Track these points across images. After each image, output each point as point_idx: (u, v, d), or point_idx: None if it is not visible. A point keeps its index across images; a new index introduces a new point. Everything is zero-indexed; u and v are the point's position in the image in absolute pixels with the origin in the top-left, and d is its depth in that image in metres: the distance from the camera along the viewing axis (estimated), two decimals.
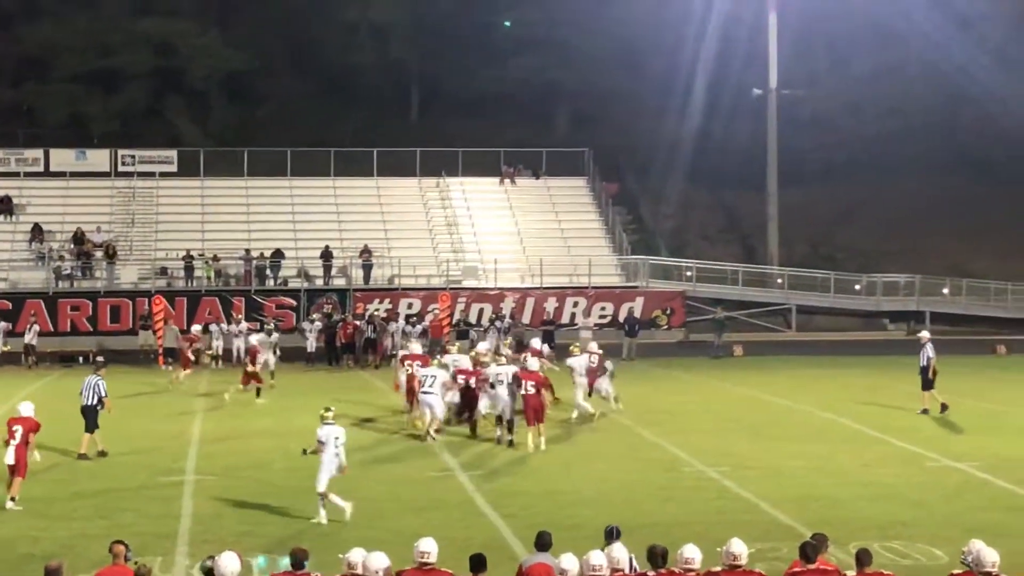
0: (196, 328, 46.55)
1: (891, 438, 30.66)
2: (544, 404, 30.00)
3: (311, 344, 49.27)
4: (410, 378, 32.38)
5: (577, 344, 36.29)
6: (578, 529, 20.27)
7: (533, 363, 30.91)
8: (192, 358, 43.07)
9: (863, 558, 14.42)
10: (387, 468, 26.92)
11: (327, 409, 23.17)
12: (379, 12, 75.77)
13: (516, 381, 29.92)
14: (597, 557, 14.23)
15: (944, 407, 34.92)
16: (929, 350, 35.81)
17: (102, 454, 28.37)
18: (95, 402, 28.51)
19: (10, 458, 23.48)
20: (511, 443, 29.73)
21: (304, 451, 23.27)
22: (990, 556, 14.16)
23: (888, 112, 76.00)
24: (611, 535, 15.17)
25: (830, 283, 64.10)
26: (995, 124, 74.77)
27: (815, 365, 48.29)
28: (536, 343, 37.68)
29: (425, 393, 30.53)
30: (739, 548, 14.51)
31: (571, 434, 31.51)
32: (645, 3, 74.05)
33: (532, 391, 29.55)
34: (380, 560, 14.13)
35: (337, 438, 22.49)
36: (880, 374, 45.17)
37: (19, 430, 23.65)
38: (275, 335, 43.41)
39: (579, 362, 33.60)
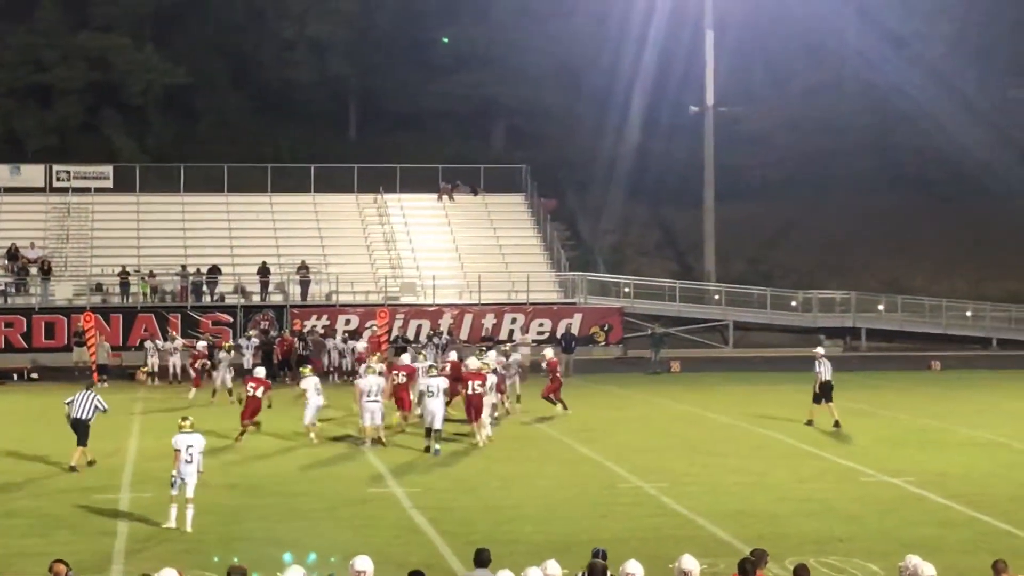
0: (201, 344, 46.30)
1: (827, 453, 30.84)
2: (482, 402, 31.99)
3: (248, 360, 49.00)
4: (398, 387, 33.77)
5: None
6: (516, 545, 20.26)
7: (473, 362, 33.68)
8: (195, 374, 43.59)
9: (801, 574, 14.46)
10: (324, 485, 26.81)
11: (184, 419, 23.69)
12: (317, 28, 75.52)
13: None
14: (533, 573, 14.21)
15: (837, 423, 35.27)
16: (823, 365, 36.13)
17: (91, 463, 28.75)
18: (90, 415, 28.67)
19: None
20: (437, 452, 30.66)
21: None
22: (927, 571, 14.26)
23: (824, 129, 76.48)
24: (596, 555, 14.86)
25: (767, 299, 64.43)
26: (930, 142, 75.48)
27: (752, 381, 48.50)
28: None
29: (370, 402, 31.65)
30: (690, 564, 14.50)
31: (509, 451, 31.48)
32: (583, 20, 74.37)
33: (479, 390, 31.77)
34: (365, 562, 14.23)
35: (190, 446, 23.00)
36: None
37: None
38: (232, 353, 43.63)
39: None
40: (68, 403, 29.19)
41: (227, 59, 77.56)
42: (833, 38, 76.61)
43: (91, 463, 28.83)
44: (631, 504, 24.97)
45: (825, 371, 36.20)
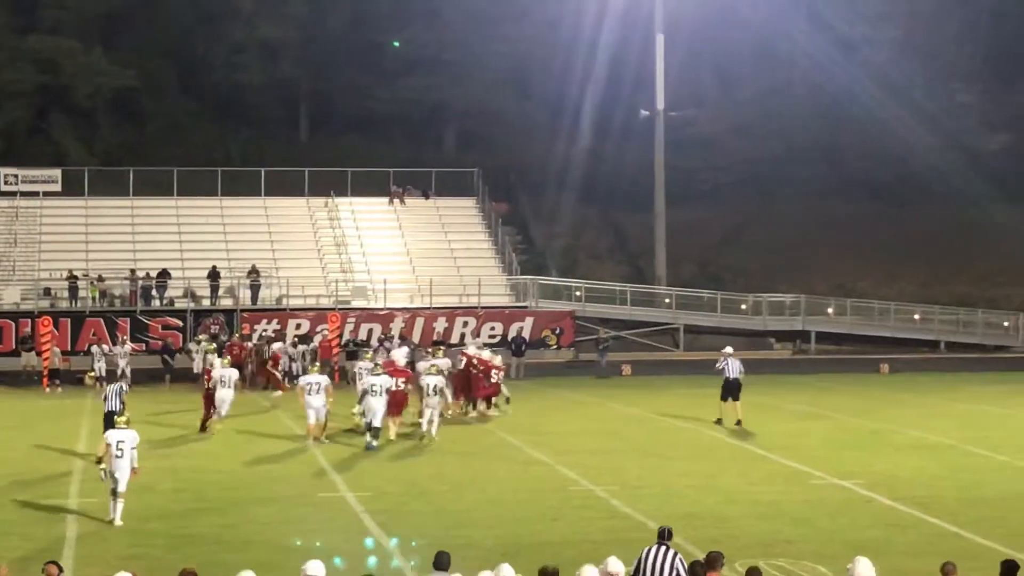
0: (278, 346, 46.47)
1: (777, 456, 30.97)
2: (404, 400, 33.55)
3: (198, 365, 48.80)
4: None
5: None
6: (467, 549, 20.24)
7: (400, 358, 36.21)
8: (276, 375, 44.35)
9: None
10: (276, 489, 26.71)
11: (120, 414, 24.60)
12: (267, 30, 75.25)
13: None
14: None
15: (739, 423, 35.74)
16: (730, 364, 36.61)
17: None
18: (120, 407, 29.74)
19: None
20: (374, 447, 31.71)
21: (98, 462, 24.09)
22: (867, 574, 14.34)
23: (774, 133, 76.90)
24: (663, 535, 15.76)
25: (717, 303, 64.65)
26: (878, 146, 76.07)
27: (702, 384, 48.47)
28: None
29: (312, 396, 32.72)
30: (616, 567, 14.51)
31: (461, 454, 31.48)
32: (534, 24, 74.43)
33: (401, 386, 33.25)
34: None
35: (121, 441, 23.34)
36: (766, 393, 45.57)
37: None
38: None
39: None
40: (104, 399, 30.86)
41: (176, 62, 77.18)
42: (782, 43, 77.04)
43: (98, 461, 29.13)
44: (582, 507, 25.01)
45: (732, 370, 36.49)
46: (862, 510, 24.85)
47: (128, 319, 55.67)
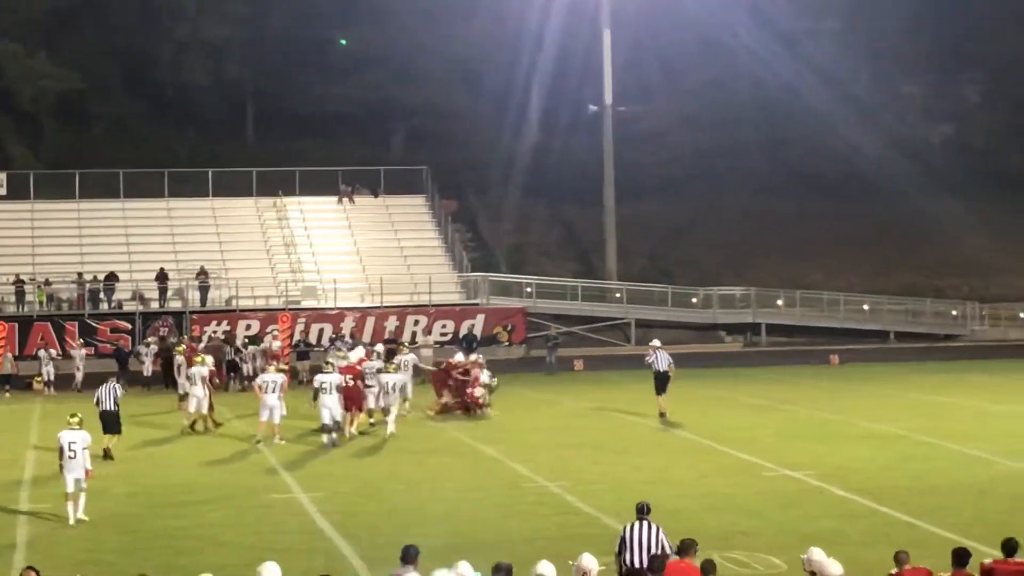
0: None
1: (729, 448, 31.07)
2: (359, 395, 34.06)
3: (147, 368, 48.57)
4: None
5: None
6: (421, 548, 20.17)
7: (354, 355, 36.43)
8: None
9: (708, 569, 14.52)
10: (227, 491, 26.58)
11: (72, 415, 24.26)
12: (212, 31, 74.94)
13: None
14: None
15: (663, 415, 36.22)
16: (659, 357, 36.98)
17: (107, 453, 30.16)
18: (115, 406, 30.70)
19: None
20: (336, 443, 32.21)
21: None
22: (833, 570, 14.38)
23: (720, 127, 77.22)
24: (642, 511, 16.30)
25: (668, 297, 64.86)
26: (823, 139, 76.50)
27: (653, 378, 48.65)
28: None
29: (268, 395, 32.80)
30: (590, 563, 14.52)
31: (414, 453, 31.44)
32: (481, 21, 74.43)
33: (350, 383, 33.63)
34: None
35: (72, 442, 23.51)
36: (717, 386, 45.80)
37: None
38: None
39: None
40: (96, 399, 31.27)
41: (121, 64, 76.67)
42: (726, 36, 77.29)
43: (106, 451, 30.17)
44: (535, 503, 25.02)
45: (661, 363, 36.76)
46: (814, 501, 24.96)
47: (76, 323, 55.33)
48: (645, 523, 16.19)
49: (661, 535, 16.02)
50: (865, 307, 66.81)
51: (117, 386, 31.80)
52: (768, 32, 76.59)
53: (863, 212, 74.91)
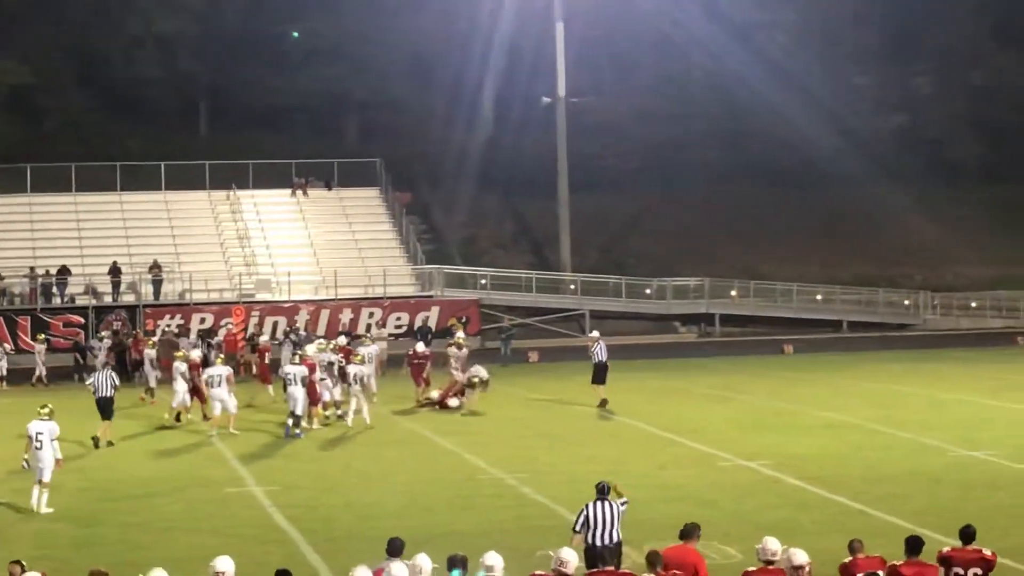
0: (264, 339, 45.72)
1: (684, 439, 31.17)
2: (315, 389, 33.95)
3: (101, 361, 48.18)
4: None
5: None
6: (378, 541, 20.12)
7: (311, 348, 36.48)
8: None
9: (653, 560, 14.53)
10: (183, 485, 26.47)
11: (43, 406, 24.66)
12: (164, 24, 74.57)
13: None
14: (397, 569, 14.14)
15: (604, 402, 36.71)
16: (599, 348, 37.61)
17: (110, 444, 31.37)
18: (110, 392, 31.67)
19: None
20: (300, 435, 32.51)
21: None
22: (799, 558, 14.43)
23: (674, 119, 77.37)
24: (603, 491, 16.96)
25: (622, 288, 64.98)
26: (776, 131, 76.75)
27: (609, 369, 48.71)
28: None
29: (215, 388, 33.24)
30: (568, 555, 14.52)
31: (371, 447, 31.42)
32: (434, 14, 74.33)
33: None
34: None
35: (40, 433, 23.96)
36: (672, 376, 45.92)
37: None
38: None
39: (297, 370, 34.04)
40: (90, 384, 32.50)
41: (73, 57, 76.18)
42: (679, 29, 77.47)
43: (110, 443, 31.38)
44: (492, 496, 25.04)
45: (600, 353, 37.21)
46: (769, 491, 25.08)
47: (28, 317, 54.96)
48: (606, 502, 16.90)
49: (623, 511, 17.06)
50: (818, 297, 67.14)
51: (113, 374, 32.73)
52: (722, 25, 76.84)
53: (816, 202, 75.31)
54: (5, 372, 47.23)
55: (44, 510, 23.70)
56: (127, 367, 47.67)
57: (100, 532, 22.38)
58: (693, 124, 77.60)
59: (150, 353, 42.11)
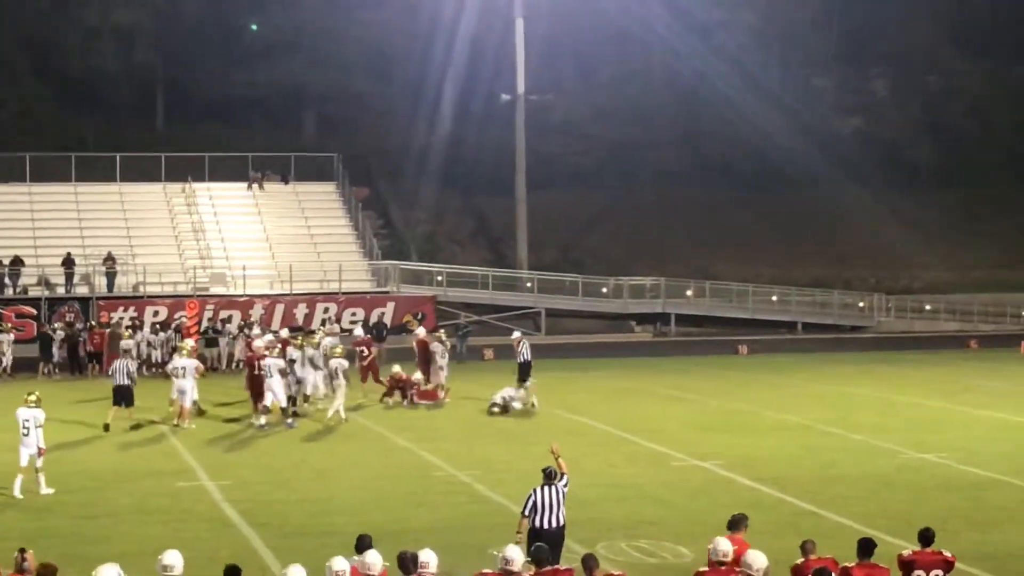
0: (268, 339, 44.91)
1: (637, 438, 31.20)
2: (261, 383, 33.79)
3: (55, 354, 47.85)
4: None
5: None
6: (329, 536, 20.13)
7: (260, 342, 36.52)
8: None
9: (589, 563, 14.40)
10: (133, 479, 26.28)
11: (30, 394, 25.40)
12: (122, 15, 74.09)
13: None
14: (339, 564, 14.06)
15: (533, 404, 36.68)
16: (524, 347, 37.62)
17: (136, 427, 32.72)
18: (128, 381, 32.62)
19: None
20: (262, 426, 32.87)
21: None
22: (759, 562, 14.39)
23: (633, 119, 77.55)
24: (550, 476, 17.78)
25: (578, 287, 65.03)
26: (735, 131, 77.06)
27: (564, 368, 48.78)
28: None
29: (180, 380, 33.50)
30: (513, 554, 14.48)
31: (325, 442, 31.32)
32: (394, 8, 74.21)
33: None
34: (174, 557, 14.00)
35: (27, 420, 24.71)
36: (627, 376, 45.96)
37: None
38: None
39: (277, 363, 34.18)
40: (111, 374, 33.84)
41: (29, 47, 75.59)
42: (640, 28, 77.63)
43: (135, 427, 32.70)
44: (445, 492, 24.99)
45: (525, 352, 37.39)
46: (722, 490, 25.12)
47: None
48: (552, 487, 17.63)
49: (564, 492, 17.81)
50: (774, 298, 67.40)
51: (131, 365, 33.88)
52: (682, 24, 77.01)
53: (773, 203, 75.61)
54: None
55: (45, 490, 24.64)
56: (79, 359, 47.37)
57: (50, 525, 22.21)
58: (652, 123, 77.75)
59: (126, 344, 42.29)
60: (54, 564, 14.09)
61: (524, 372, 37.38)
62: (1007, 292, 68.93)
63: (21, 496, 24.27)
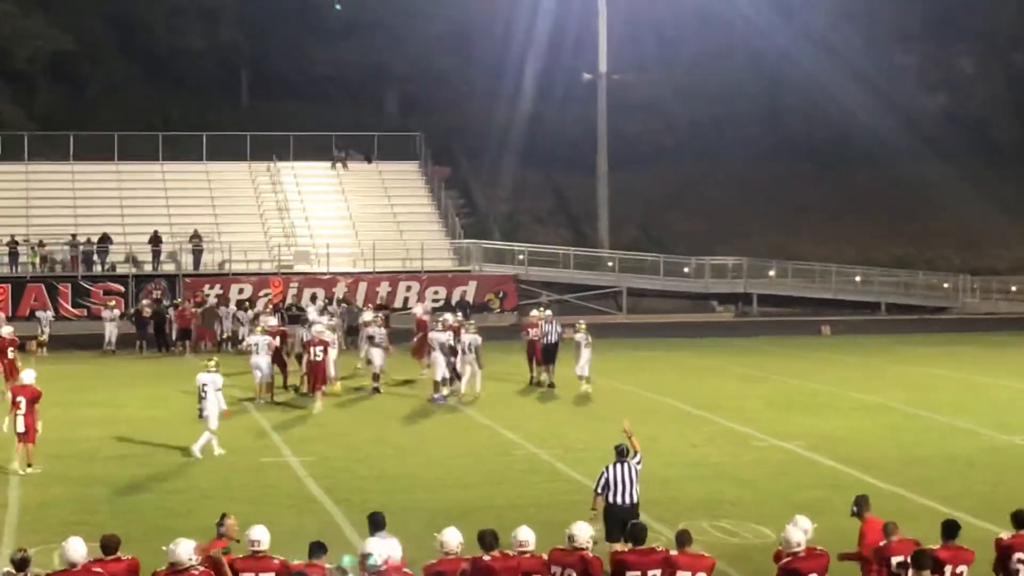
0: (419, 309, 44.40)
1: (719, 418, 31.17)
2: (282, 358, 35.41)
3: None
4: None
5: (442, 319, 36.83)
6: (411, 513, 20.29)
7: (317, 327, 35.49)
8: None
9: (683, 539, 14.52)
10: (218, 455, 26.57)
11: (209, 359, 27.40)
12: None
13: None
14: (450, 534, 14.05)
15: (552, 385, 36.41)
16: (552, 327, 36.96)
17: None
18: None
19: (20, 426, 24.73)
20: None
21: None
22: (795, 536, 14.33)
23: (714, 97, 77.18)
24: (622, 453, 18.08)
25: (659, 266, 64.90)
26: (817, 109, 76.55)
27: (645, 347, 48.84)
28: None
29: (256, 356, 33.79)
30: (578, 529, 14.52)
31: (404, 420, 31.52)
32: None
33: (319, 357, 33.30)
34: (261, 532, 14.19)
35: (205, 384, 26.21)
36: (708, 355, 45.88)
37: (22, 400, 24.92)
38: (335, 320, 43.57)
39: (441, 337, 34.21)
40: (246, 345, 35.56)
41: (116, 26, 76.30)
42: (723, 6, 77.14)
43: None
44: (526, 471, 25.09)
45: (552, 334, 36.82)
46: (803, 471, 25.07)
47: (69, 284, 55.38)
48: (625, 464, 17.97)
49: (638, 469, 18.14)
50: (857, 278, 66.93)
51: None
52: (767, 3, 76.43)
53: (856, 181, 75.02)
54: (47, 338, 47.38)
55: (218, 451, 26.23)
56: (165, 337, 47.81)
57: (137, 499, 22.53)
58: (734, 102, 77.33)
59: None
60: (117, 536, 14.23)
61: (549, 355, 36.66)
62: None
63: (223, 451, 26.29)
